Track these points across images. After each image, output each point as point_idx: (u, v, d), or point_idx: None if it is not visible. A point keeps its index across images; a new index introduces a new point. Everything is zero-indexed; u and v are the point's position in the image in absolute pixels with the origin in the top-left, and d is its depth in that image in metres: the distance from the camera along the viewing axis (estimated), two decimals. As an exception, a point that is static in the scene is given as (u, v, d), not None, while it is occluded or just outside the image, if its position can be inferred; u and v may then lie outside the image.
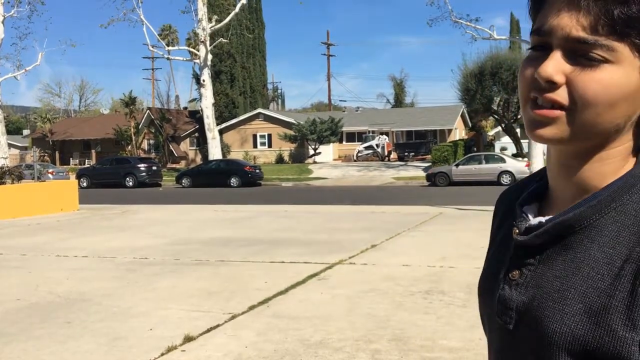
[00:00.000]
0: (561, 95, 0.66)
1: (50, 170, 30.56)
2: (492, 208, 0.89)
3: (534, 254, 0.70)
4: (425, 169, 30.80)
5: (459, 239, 9.96)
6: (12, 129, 59.31)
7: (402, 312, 5.55)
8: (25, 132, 58.81)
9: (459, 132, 44.72)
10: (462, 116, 45.87)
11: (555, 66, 0.66)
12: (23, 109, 79.77)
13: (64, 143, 50.04)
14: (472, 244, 9.37)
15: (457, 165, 26.02)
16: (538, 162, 22.71)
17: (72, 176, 30.27)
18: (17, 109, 79.38)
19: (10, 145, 42.57)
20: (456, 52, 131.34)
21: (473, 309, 5.60)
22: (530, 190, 0.77)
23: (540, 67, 0.66)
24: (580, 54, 0.65)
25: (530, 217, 0.73)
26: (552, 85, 0.66)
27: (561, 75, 0.65)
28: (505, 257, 0.75)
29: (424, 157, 38.17)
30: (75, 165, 46.03)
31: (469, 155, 28.91)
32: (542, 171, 0.78)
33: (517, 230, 0.72)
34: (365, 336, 4.84)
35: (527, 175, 0.84)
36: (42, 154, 44.67)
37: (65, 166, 42.36)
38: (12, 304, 6.07)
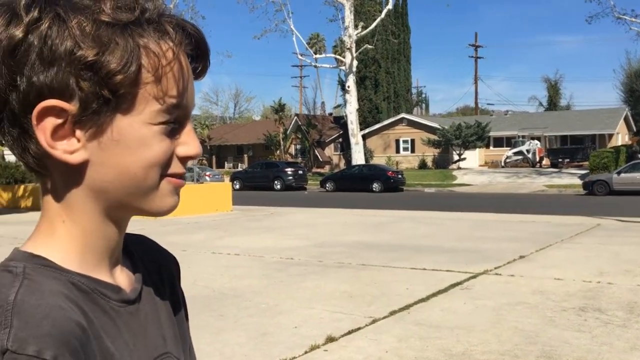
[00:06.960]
0: None
1: (207, 173, 33.05)
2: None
3: None
4: (582, 177, 29.05)
5: (619, 253, 9.18)
6: (175, 135, 64.69)
7: (552, 329, 5.24)
8: (187, 137, 63.83)
9: (621, 137, 41.22)
10: (625, 120, 42.29)
11: None
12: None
13: (220, 148, 53.83)
14: (635, 259, 8.60)
15: (619, 172, 24.06)
16: None
17: (227, 179, 32.43)
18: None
19: (173, 150, 46.49)
20: (619, 50, 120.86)
21: (634, 330, 5.13)
22: None
23: None
24: None
25: None
26: None
27: None
28: None
29: (581, 163, 35.88)
30: (230, 168, 49.21)
31: (633, 162, 26.48)
32: None
33: None
34: (512, 351, 4.64)
35: None
36: (201, 157, 48.31)
37: (220, 169, 45.46)
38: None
